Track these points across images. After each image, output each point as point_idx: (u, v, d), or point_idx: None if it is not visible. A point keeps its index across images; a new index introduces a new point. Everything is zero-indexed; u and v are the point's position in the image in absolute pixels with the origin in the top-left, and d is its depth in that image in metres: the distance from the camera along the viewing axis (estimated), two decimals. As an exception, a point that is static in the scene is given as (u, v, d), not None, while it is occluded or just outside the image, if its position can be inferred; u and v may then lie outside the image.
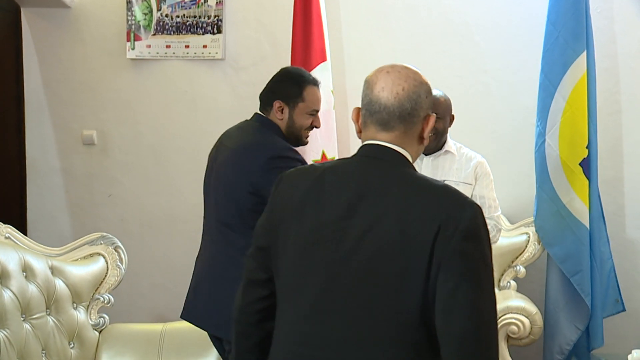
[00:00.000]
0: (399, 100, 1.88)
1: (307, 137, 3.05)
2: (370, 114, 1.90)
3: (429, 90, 1.94)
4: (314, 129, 3.06)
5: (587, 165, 3.96)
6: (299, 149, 4.29)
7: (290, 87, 2.96)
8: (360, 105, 1.97)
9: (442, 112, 3.40)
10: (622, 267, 4.14)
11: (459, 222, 1.76)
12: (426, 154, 3.46)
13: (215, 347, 3.04)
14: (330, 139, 4.46)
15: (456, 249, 1.75)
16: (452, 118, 3.53)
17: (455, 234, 1.76)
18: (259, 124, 2.98)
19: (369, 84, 1.92)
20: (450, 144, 3.56)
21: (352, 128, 4.73)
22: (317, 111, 3.02)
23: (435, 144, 3.44)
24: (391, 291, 1.78)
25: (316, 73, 4.37)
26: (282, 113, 2.96)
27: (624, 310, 4.09)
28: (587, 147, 3.97)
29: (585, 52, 3.96)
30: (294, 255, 1.88)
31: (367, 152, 1.90)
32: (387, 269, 1.78)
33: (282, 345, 1.89)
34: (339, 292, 1.81)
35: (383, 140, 1.89)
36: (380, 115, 1.88)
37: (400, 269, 1.77)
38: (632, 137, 4.27)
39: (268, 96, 2.99)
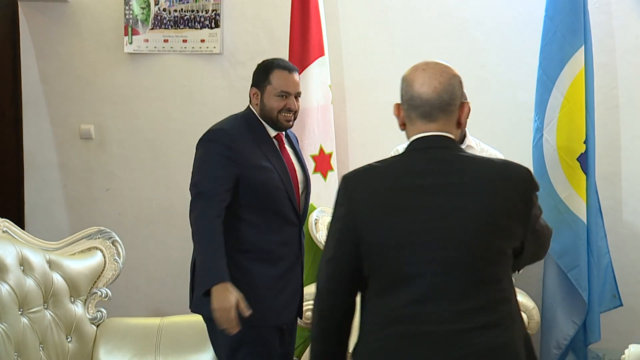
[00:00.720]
0: (438, 93, 2.09)
1: (287, 121, 3.13)
2: (413, 108, 2.10)
3: (460, 81, 2.16)
4: (290, 112, 3.13)
5: (585, 160, 3.96)
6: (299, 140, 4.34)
7: (260, 73, 3.15)
8: (399, 101, 2.17)
9: None
10: (619, 262, 4.14)
11: (534, 187, 2.10)
12: None
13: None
14: (328, 134, 4.46)
15: (536, 210, 2.10)
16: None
17: (534, 197, 2.09)
18: (237, 113, 3.19)
19: (407, 82, 2.12)
20: (470, 138, 3.52)
21: (350, 122, 4.78)
22: (289, 93, 3.11)
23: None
24: (497, 256, 2.03)
25: (314, 68, 4.40)
26: (256, 99, 3.14)
27: (621, 305, 4.09)
28: (584, 142, 3.97)
29: (583, 47, 3.96)
30: (399, 248, 2.01)
31: (426, 144, 2.10)
32: (494, 241, 2.01)
33: (394, 328, 1.99)
34: (454, 271, 1.99)
35: (430, 130, 2.10)
36: (424, 109, 2.09)
37: (504, 236, 2.03)
38: (629, 132, 4.27)
39: (250, 88, 3.18)
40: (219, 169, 2.94)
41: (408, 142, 2.13)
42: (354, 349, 2.11)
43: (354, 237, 2.04)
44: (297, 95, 3.16)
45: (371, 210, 2.03)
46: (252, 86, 3.17)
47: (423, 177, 2.05)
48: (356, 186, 2.08)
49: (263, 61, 3.23)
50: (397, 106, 2.17)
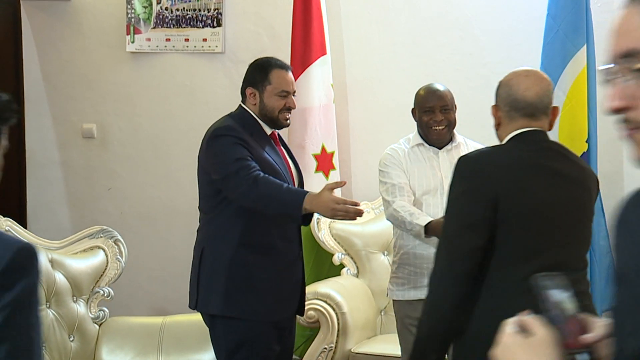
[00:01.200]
0: (540, 97, 2.40)
1: (286, 120, 3.17)
2: (517, 109, 2.38)
3: (552, 88, 2.49)
4: (290, 110, 3.16)
5: (587, 159, 3.96)
6: (298, 143, 4.35)
7: (258, 72, 3.15)
8: (495, 103, 2.46)
9: (451, 104, 3.36)
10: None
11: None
12: (440, 148, 3.39)
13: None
14: (330, 133, 4.47)
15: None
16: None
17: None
18: (231, 113, 3.20)
19: (510, 86, 2.42)
20: (458, 136, 3.51)
21: (352, 121, 4.79)
22: (288, 92, 3.14)
23: (447, 137, 3.37)
24: (589, 234, 2.48)
25: (316, 67, 4.40)
26: (254, 98, 3.14)
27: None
28: (586, 141, 3.96)
29: (585, 46, 3.96)
30: (528, 226, 2.28)
31: (533, 136, 2.39)
32: (588, 222, 2.46)
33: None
34: (572, 246, 2.37)
35: (535, 127, 2.39)
36: (527, 110, 2.38)
37: (590, 218, 2.47)
38: (631, 131, 4.26)
39: (242, 87, 3.19)
40: (241, 151, 2.96)
41: (511, 135, 2.39)
42: (479, 316, 2.27)
43: (490, 207, 2.25)
44: (294, 93, 3.19)
45: (505, 184, 2.29)
46: (247, 86, 3.16)
47: (543, 160, 2.36)
48: (484, 164, 2.34)
49: (257, 60, 3.24)
50: (495, 107, 2.44)
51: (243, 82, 3.21)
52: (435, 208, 3.27)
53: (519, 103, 2.38)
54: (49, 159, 4.94)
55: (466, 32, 4.48)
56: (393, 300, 3.43)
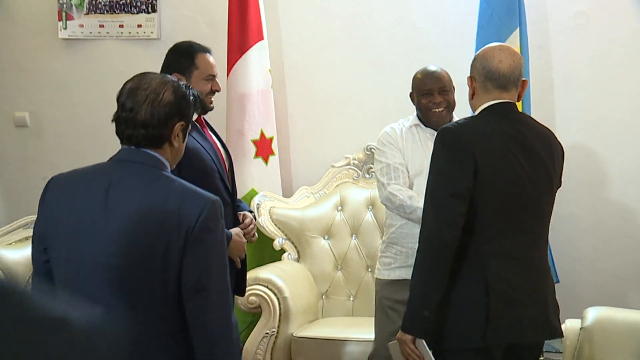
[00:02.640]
0: (512, 69, 2.58)
1: (211, 103, 3.16)
2: (491, 80, 2.57)
3: (523, 62, 2.66)
4: (214, 93, 3.16)
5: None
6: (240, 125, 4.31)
7: (182, 58, 3.09)
8: (470, 75, 2.63)
9: (449, 85, 3.37)
10: (555, 239, 4.22)
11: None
12: (437, 130, 3.34)
13: None
14: (269, 118, 4.44)
15: None
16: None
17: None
18: None
19: (486, 58, 2.59)
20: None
21: (291, 106, 4.77)
22: (214, 75, 3.14)
23: (449, 118, 3.34)
24: (552, 203, 2.68)
25: (253, 52, 4.37)
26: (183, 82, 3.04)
27: (557, 282, 4.17)
28: (520, 123, 4.02)
29: (518, 29, 4.02)
30: (502, 194, 2.50)
31: (504, 108, 2.58)
32: (553, 192, 2.66)
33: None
34: (539, 214, 2.60)
35: (503, 99, 2.58)
36: (500, 81, 2.57)
37: (555, 188, 2.67)
38: (564, 112, 4.34)
39: (165, 73, 3.02)
40: None
41: (484, 107, 2.58)
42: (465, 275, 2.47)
43: (472, 176, 2.44)
44: (217, 76, 3.19)
45: (484, 154, 2.47)
46: (172, 72, 2.98)
47: (515, 132, 2.55)
48: (465, 135, 2.50)
49: (178, 45, 3.20)
50: (471, 79, 2.62)
51: (165, 68, 3.10)
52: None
53: (493, 74, 2.56)
54: (-20, 149, 4.81)
55: (403, 17, 4.50)
56: (376, 279, 3.44)
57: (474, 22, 4.12)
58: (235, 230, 3.05)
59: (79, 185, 2.09)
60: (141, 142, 2.06)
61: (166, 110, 2.05)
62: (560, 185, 2.71)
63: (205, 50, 3.15)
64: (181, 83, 2.16)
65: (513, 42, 4.00)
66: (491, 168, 2.48)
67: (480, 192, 2.46)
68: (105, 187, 2.03)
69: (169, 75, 2.20)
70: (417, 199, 3.20)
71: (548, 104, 4.35)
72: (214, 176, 3.03)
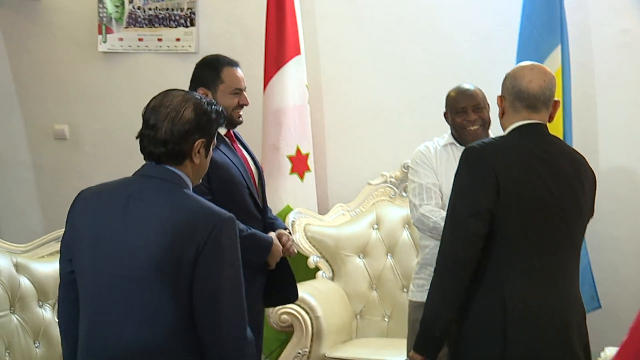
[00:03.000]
0: (542, 89, 2.52)
1: (239, 117, 3.11)
2: (520, 99, 2.52)
3: (555, 82, 2.59)
4: (242, 107, 3.10)
5: (563, 160, 3.92)
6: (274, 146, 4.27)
7: (208, 72, 3.07)
8: (500, 94, 2.58)
9: (483, 102, 3.29)
10: (597, 263, 4.10)
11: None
12: None
13: None
14: (305, 134, 4.40)
15: None
16: (489, 108, 3.35)
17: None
18: None
19: (516, 77, 2.54)
20: (492, 135, 3.38)
21: (327, 122, 4.72)
22: (241, 89, 3.08)
23: (485, 136, 3.24)
24: (582, 230, 2.60)
25: (290, 67, 4.33)
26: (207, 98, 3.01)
27: (599, 307, 4.05)
28: (562, 142, 3.92)
29: (559, 46, 3.92)
30: (526, 217, 2.43)
31: (534, 130, 2.52)
32: (582, 218, 2.57)
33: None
34: (564, 242, 2.50)
35: (536, 120, 2.52)
36: (530, 101, 2.51)
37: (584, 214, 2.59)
38: (607, 132, 4.23)
39: (192, 87, 3.07)
40: None
41: (513, 127, 2.52)
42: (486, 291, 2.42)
43: (493, 197, 2.39)
44: (245, 89, 3.13)
45: (508, 175, 2.41)
46: (199, 86, 3.03)
47: (544, 154, 2.48)
48: (489, 155, 2.45)
49: (205, 59, 3.16)
50: (500, 98, 2.57)
51: (192, 82, 3.08)
52: None
53: (523, 94, 2.51)
54: (20, 160, 4.85)
55: (442, 33, 4.43)
56: (409, 301, 3.37)
57: (514, 38, 4.04)
58: (272, 235, 3.04)
59: (102, 198, 2.16)
60: (161, 159, 2.12)
61: (186, 127, 2.11)
62: (592, 214, 2.63)
63: (233, 63, 3.10)
64: (204, 99, 2.19)
65: (554, 59, 3.91)
66: (514, 188, 2.42)
67: (501, 212, 2.41)
68: (125, 201, 2.10)
69: (193, 93, 2.24)
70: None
71: (590, 123, 4.23)
72: (243, 191, 2.98)
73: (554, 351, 2.45)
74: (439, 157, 3.32)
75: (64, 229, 3.49)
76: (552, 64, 3.90)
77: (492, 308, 2.41)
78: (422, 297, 3.26)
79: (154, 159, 2.13)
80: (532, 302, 2.42)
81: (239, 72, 3.10)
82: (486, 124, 3.29)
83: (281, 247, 3.04)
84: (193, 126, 2.11)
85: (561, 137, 3.92)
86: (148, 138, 2.13)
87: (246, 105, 3.11)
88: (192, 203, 2.09)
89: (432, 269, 3.19)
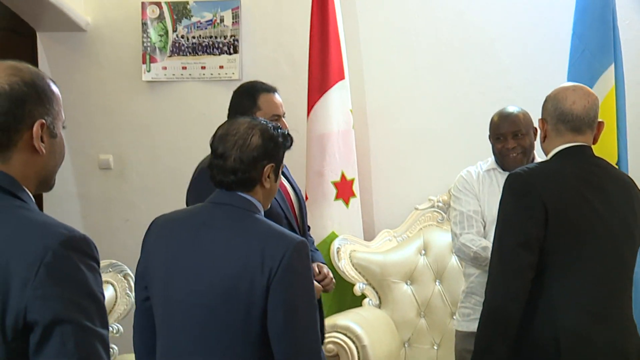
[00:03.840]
0: (587, 111, 2.44)
1: None
2: (563, 122, 2.43)
3: (598, 103, 2.50)
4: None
5: (618, 183, 3.75)
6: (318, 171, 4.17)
7: (245, 99, 2.98)
8: (541, 117, 2.50)
9: (525, 128, 3.14)
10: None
11: None
12: None
13: None
14: (350, 160, 4.29)
15: None
16: (535, 131, 3.19)
17: None
18: None
19: (558, 100, 2.45)
20: (538, 159, 3.19)
21: (373, 147, 4.62)
22: (279, 116, 2.97)
23: (526, 162, 3.09)
24: (634, 255, 2.47)
25: (334, 92, 4.25)
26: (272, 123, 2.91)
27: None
28: (617, 164, 3.77)
29: (613, 65, 3.78)
30: (575, 243, 2.33)
31: (580, 151, 2.43)
32: (633, 242, 2.45)
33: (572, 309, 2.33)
34: (617, 270, 2.40)
35: (578, 142, 2.43)
36: (574, 123, 2.42)
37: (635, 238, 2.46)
38: (664, 152, 4.05)
39: (229, 115, 3.00)
40: None
41: (557, 150, 2.43)
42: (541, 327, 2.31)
43: (542, 225, 2.28)
44: (284, 115, 3.02)
45: (555, 202, 2.31)
46: (235, 113, 2.93)
47: (591, 177, 2.40)
48: (535, 181, 2.34)
49: (241, 87, 3.07)
50: (542, 121, 2.48)
51: (230, 110, 3.01)
52: None
53: (566, 116, 2.43)
54: (66, 191, 4.82)
55: (489, 55, 4.31)
56: (456, 330, 3.25)
57: (565, 58, 3.90)
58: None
59: (175, 226, 2.17)
60: (232, 186, 2.13)
61: (254, 154, 2.13)
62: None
63: (270, 89, 3.00)
64: (270, 125, 2.21)
65: (607, 79, 3.76)
66: (563, 215, 2.31)
67: (551, 241, 2.30)
68: (197, 228, 2.11)
69: (259, 119, 2.27)
70: (490, 249, 2.99)
71: (646, 144, 4.06)
72: (281, 222, 2.87)
73: None
74: (481, 183, 3.20)
75: (107, 260, 3.46)
76: (606, 83, 3.77)
77: (546, 342, 2.29)
78: (467, 326, 3.13)
79: (225, 187, 2.14)
80: (586, 336, 2.29)
81: (277, 97, 3.00)
82: (527, 150, 3.14)
83: (319, 286, 2.86)
84: (261, 152, 2.14)
85: (616, 159, 3.77)
86: (218, 167, 2.14)
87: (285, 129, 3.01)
88: (263, 228, 2.09)
89: (478, 298, 3.08)
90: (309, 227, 3.18)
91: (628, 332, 2.39)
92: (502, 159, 3.17)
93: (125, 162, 4.79)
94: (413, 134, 4.44)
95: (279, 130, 2.21)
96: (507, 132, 3.13)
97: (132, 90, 4.75)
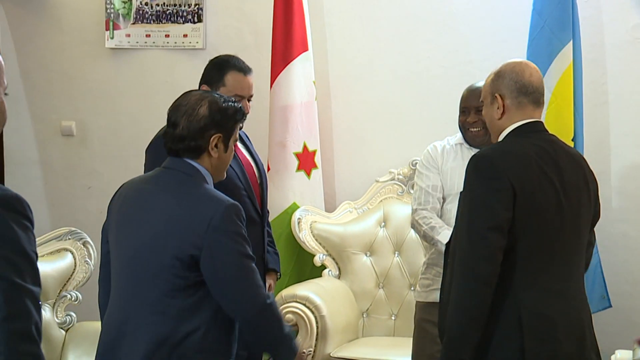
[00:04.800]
0: (541, 83, 2.43)
1: None
2: (525, 94, 2.38)
3: None
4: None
5: (573, 158, 3.78)
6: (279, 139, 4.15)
7: (214, 71, 2.98)
8: (497, 93, 2.40)
9: None
10: (608, 262, 3.96)
11: None
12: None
13: None
14: (312, 131, 4.27)
15: None
16: None
17: None
18: None
19: (516, 73, 2.39)
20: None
21: (335, 119, 4.59)
22: (242, 97, 2.90)
23: (487, 139, 2.96)
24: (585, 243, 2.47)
25: (297, 63, 4.21)
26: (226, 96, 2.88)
27: (610, 306, 3.92)
28: (572, 140, 3.79)
29: (571, 42, 3.79)
30: (541, 225, 2.30)
31: (538, 128, 2.42)
32: (588, 227, 2.45)
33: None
34: (575, 248, 2.39)
35: (536, 117, 2.40)
36: (535, 95, 2.39)
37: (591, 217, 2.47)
38: (619, 128, 4.09)
39: (200, 82, 3.01)
40: None
41: (514, 127, 2.37)
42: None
43: (511, 207, 2.24)
44: (250, 98, 2.97)
45: (522, 183, 2.26)
46: (203, 83, 2.95)
47: (547, 155, 2.34)
48: (502, 163, 2.28)
49: (217, 57, 3.03)
50: (500, 96, 2.38)
51: (201, 78, 3.00)
52: None
53: (527, 88, 2.38)
54: (28, 157, 4.75)
55: (451, 28, 4.30)
56: (416, 301, 3.25)
57: (525, 34, 3.89)
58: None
59: (130, 188, 2.33)
60: (180, 153, 2.25)
61: (201, 123, 2.23)
62: (598, 217, 2.50)
63: (242, 69, 2.95)
64: (222, 97, 2.31)
65: (566, 55, 3.78)
66: (529, 197, 2.27)
67: (518, 223, 2.26)
68: (145, 190, 2.28)
69: (213, 92, 2.38)
70: (438, 230, 3.02)
71: (602, 120, 4.09)
72: (239, 193, 2.84)
73: None
74: (446, 156, 3.16)
75: (64, 229, 3.43)
76: (564, 60, 3.78)
77: (509, 325, 2.27)
78: (426, 297, 3.15)
79: (174, 153, 2.26)
80: (548, 316, 2.29)
81: (247, 79, 2.94)
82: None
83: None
84: (208, 122, 2.23)
85: (572, 135, 3.80)
86: (169, 135, 2.27)
87: (246, 113, 2.96)
88: (199, 192, 2.20)
89: (439, 269, 3.09)
90: (268, 211, 3.13)
91: (582, 304, 2.41)
92: (463, 133, 3.14)
93: (88, 129, 4.72)
94: (375, 106, 4.43)
95: (230, 103, 2.29)
96: (470, 106, 3.08)
97: (95, 57, 4.66)
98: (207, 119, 2.23)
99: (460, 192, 2.38)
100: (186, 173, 2.22)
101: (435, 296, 3.07)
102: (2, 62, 1.64)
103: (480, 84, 3.12)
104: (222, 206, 2.15)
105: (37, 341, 1.53)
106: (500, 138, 2.42)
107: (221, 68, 2.94)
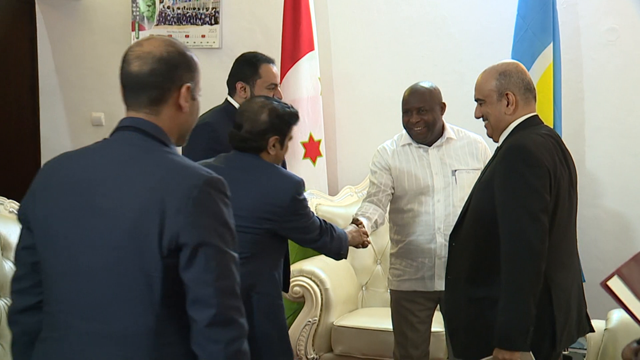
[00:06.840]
0: None
1: None
2: (530, 91, 2.38)
3: None
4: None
5: (552, 149, 3.78)
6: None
7: (247, 68, 2.97)
8: (506, 92, 2.37)
9: (430, 104, 2.97)
10: (582, 241, 3.94)
11: None
12: (429, 145, 3.05)
13: None
14: (317, 122, 4.27)
15: None
16: (443, 106, 3.06)
17: None
18: (215, 107, 3.07)
19: (521, 71, 2.38)
20: (449, 130, 3.08)
21: (338, 112, 4.59)
22: (276, 84, 2.97)
23: (430, 135, 3.00)
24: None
25: (304, 61, 4.20)
26: (244, 92, 2.98)
27: (584, 281, 3.90)
28: (552, 133, 3.78)
29: (551, 44, 3.78)
30: (563, 208, 2.31)
31: (541, 121, 2.41)
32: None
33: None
34: (574, 225, 2.43)
35: (535, 111, 2.40)
36: (534, 92, 2.40)
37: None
38: (593, 123, 4.08)
39: (230, 81, 3.02)
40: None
41: (521, 120, 2.35)
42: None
43: (549, 192, 2.23)
44: (280, 85, 3.03)
45: (553, 168, 2.26)
46: (237, 80, 2.95)
47: (558, 144, 2.36)
48: (542, 153, 2.25)
49: (244, 55, 3.02)
50: (510, 94, 2.35)
51: (231, 77, 2.99)
52: (431, 206, 2.98)
53: (530, 85, 2.39)
54: (62, 145, 4.75)
55: (443, 31, 4.28)
56: (390, 290, 3.18)
57: (510, 36, 3.88)
58: (348, 229, 2.83)
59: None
60: (245, 150, 2.42)
61: (261, 127, 2.38)
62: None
63: (269, 60, 2.97)
64: (280, 105, 2.43)
65: (546, 56, 3.76)
66: (558, 182, 2.28)
67: (552, 206, 2.26)
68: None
69: (272, 99, 2.48)
70: (359, 213, 2.99)
71: (578, 115, 4.08)
72: None
73: (577, 330, 2.39)
74: (397, 157, 3.05)
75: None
76: (545, 60, 3.77)
77: (541, 301, 2.23)
78: (398, 285, 3.08)
79: (240, 150, 2.42)
80: (567, 289, 2.31)
81: (274, 68, 2.97)
82: (430, 125, 2.98)
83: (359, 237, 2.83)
84: (268, 127, 2.38)
85: (552, 127, 3.79)
86: (234, 135, 2.42)
87: (280, 99, 2.89)
88: (269, 172, 2.38)
89: (409, 261, 3.03)
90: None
91: (579, 273, 2.47)
92: (408, 131, 3.04)
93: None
94: (373, 100, 4.42)
95: (287, 109, 2.42)
96: (412, 108, 2.97)
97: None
98: (267, 124, 2.37)
99: (474, 184, 2.43)
100: (251, 163, 2.39)
101: (407, 285, 3.04)
102: (198, 64, 1.71)
103: (422, 85, 3.02)
104: (206, 179, 1.60)
105: (240, 297, 1.59)
106: (507, 131, 2.37)
107: (253, 63, 2.94)
